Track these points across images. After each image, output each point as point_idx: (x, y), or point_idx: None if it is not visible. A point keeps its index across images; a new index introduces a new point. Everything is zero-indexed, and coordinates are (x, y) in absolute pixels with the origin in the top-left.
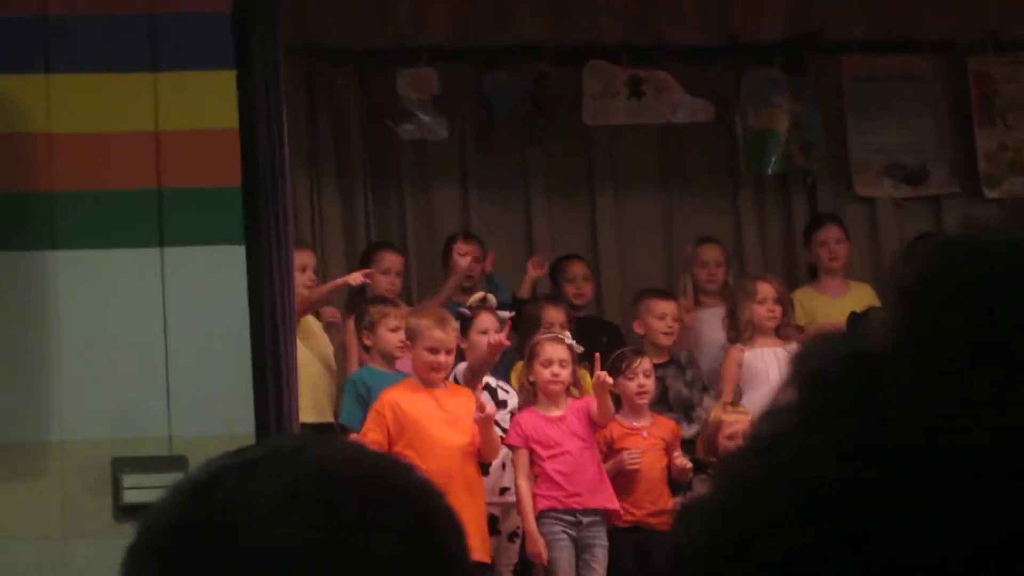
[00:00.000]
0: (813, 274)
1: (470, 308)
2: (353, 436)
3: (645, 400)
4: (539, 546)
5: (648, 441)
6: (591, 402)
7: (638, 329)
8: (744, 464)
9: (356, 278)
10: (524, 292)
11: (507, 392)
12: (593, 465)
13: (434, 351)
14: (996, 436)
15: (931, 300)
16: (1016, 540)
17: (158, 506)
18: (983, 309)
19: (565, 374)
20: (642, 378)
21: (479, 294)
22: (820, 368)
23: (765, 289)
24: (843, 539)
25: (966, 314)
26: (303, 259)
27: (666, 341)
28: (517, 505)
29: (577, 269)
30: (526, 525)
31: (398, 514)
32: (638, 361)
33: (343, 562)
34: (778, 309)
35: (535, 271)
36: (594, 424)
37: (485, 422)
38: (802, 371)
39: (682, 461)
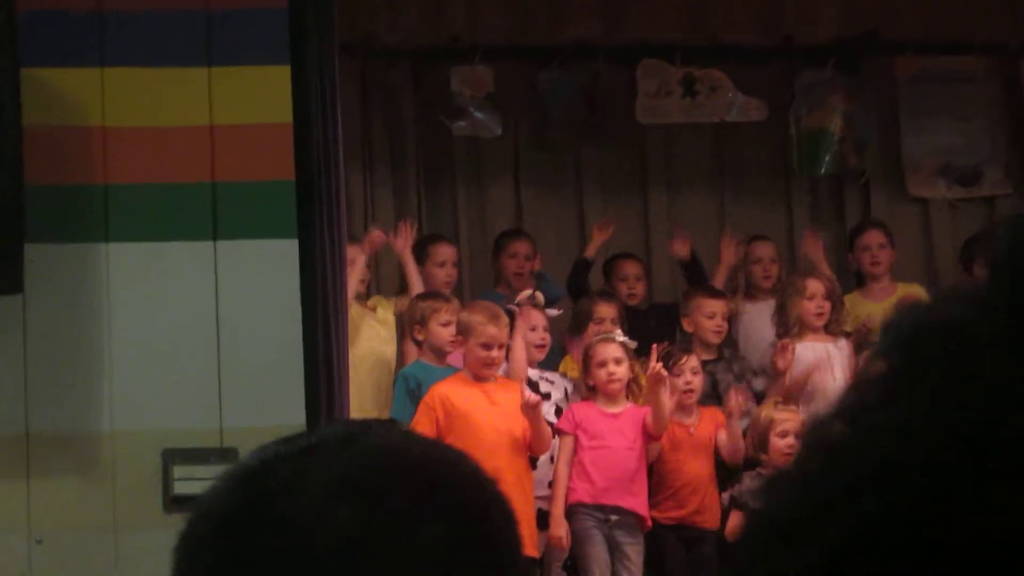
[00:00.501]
0: (860, 280)
1: (518, 304)
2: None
3: (692, 398)
4: (562, 530)
5: (695, 439)
6: (647, 412)
7: (687, 327)
8: (830, 433)
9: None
10: (590, 252)
11: (551, 383)
12: (632, 468)
13: (487, 347)
14: None
15: (1019, 275)
16: None
17: (209, 493)
18: None
19: (621, 371)
20: (689, 375)
21: (527, 291)
22: (911, 339)
23: (814, 286)
24: (920, 509)
25: None
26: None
27: (715, 339)
28: (552, 488)
29: (630, 268)
30: (554, 508)
31: (447, 504)
32: (685, 358)
33: (391, 553)
34: (827, 305)
35: (601, 235)
36: (648, 435)
37: (534, 413)
38: (892, 341)
39: (725, 434)
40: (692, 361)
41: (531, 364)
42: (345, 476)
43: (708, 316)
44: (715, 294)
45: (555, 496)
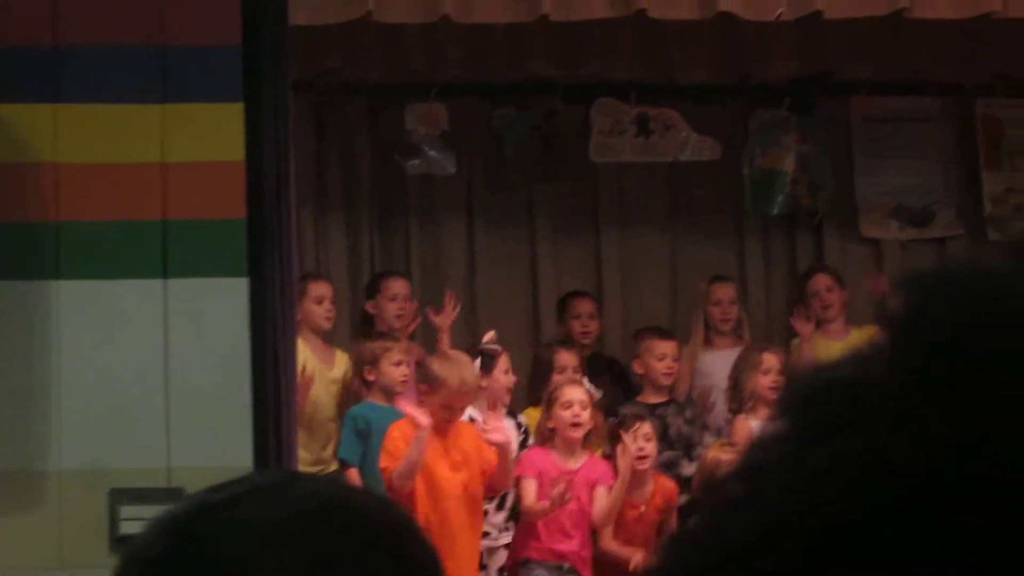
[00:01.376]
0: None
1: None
2: (355, 470)
3: (646, 464)
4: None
5: (645, 522)
6: (606, 467)
7: (638, 368)
8: (729, 491)
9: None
10: (443, 344)
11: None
12: (585, 527)
13: (448, 409)
14: (982, 468)
15: (922, 331)
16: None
17: (140, 539)
18: (972, 343)
19: (586, 416)
20: (643, 441)
21: (492, 333)
22: (808, 396)
23: (770, 360)
24: (820, 564)
25: (956, 347)
26: (320, 290)
27: (666, 381)
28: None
29: (583, 306)
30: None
31: (378, 553)
32: (638, 424)
33: None
34: (783, 380)
35: (443, 319)
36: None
37: (503, 452)
38: (790, 399)
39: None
40: (645, 427)
41: (502, 405)
42: (277, 525)
43: (658, 358)
44: (665, 335)
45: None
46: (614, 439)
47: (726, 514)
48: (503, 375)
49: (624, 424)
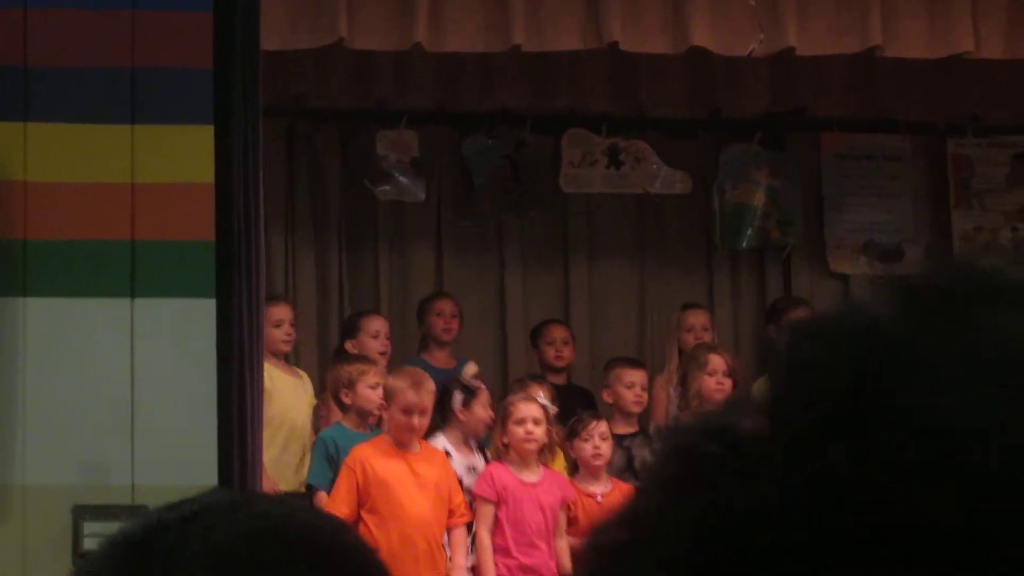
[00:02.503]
0: None
1: (474, 379)
2: (324, 494)
3: (600, 462)
4: None
5: (603, 507)
6: (563, 480)
7: (607, 398)
8: (610, 537)
9: None
10: None
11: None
12: (550, 538)
13: (407, 412)
14: (857, 518)
15: (797, 383)
16: None
17: (92, 558)
18: (844, 395)
19: (539, 432)
20: (597, 440)
21: (474, 367)
22: (687, 443)
23: (716, 361)
24: None
25: (827, 398)
26: (280, 314)
27: (635, 409)
28: (476, 555)
29: (557, 332)
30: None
31: (329, 574)
32: (594, 423)
33: None
34: (727, 382)
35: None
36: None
37: None
38: (670, 445)
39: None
40: (602, 427)
41: (476, 437)
42: (226, 545)
43: (627, 386)
44: (634, 364)
45: (482, 564)
46: (572, 436)
47: (603, 564)
48: (481, 409)
49: (582, 422)
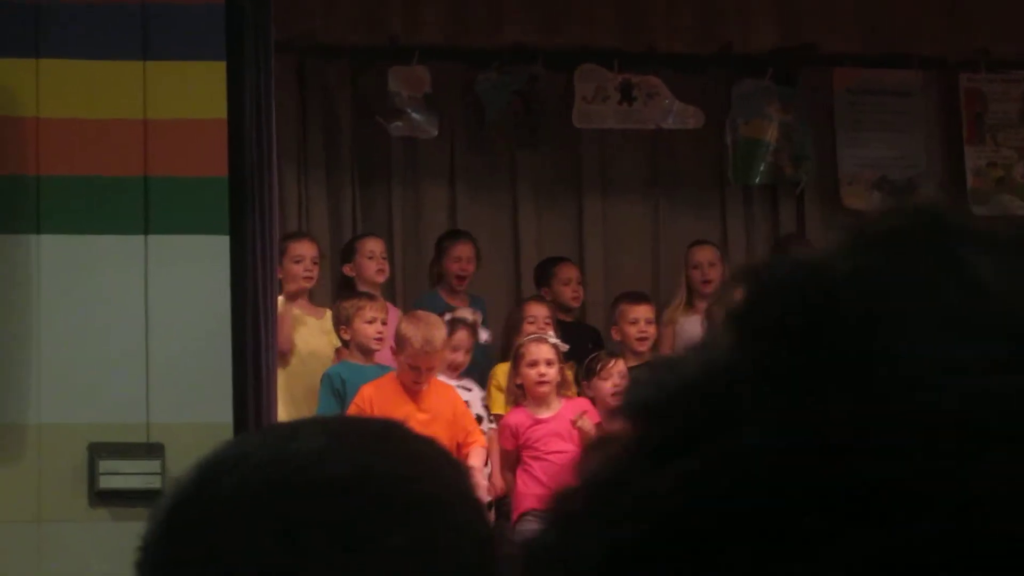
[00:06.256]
0: None
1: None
2: None
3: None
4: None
5: None
6: (586, 405)
7: (615, 336)
8: (572, 502)
9: None
10: None
11: (468, 391)
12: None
13: (415, 369)
14: (830, 476)
15: (756, 329)
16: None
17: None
18: (807, 340)
19: (552, 373)
20: (617, 379)
21: (467, 312)
22: (649, 400)
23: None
24: None
25: (791, 344)
26: (300, 249)
27: (640, 347)
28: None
29: (571, 272)
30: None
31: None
32: (612, 362)
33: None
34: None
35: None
36: None
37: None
38: (630, 403)
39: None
40: (620, 365)
41: (452, 373)
42: (253, 496)
43: (631, 322)
44: (638, 299)
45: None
46: (590, 375)
47: (567, 529)
48: (450, 352)
49: (599, 361)
